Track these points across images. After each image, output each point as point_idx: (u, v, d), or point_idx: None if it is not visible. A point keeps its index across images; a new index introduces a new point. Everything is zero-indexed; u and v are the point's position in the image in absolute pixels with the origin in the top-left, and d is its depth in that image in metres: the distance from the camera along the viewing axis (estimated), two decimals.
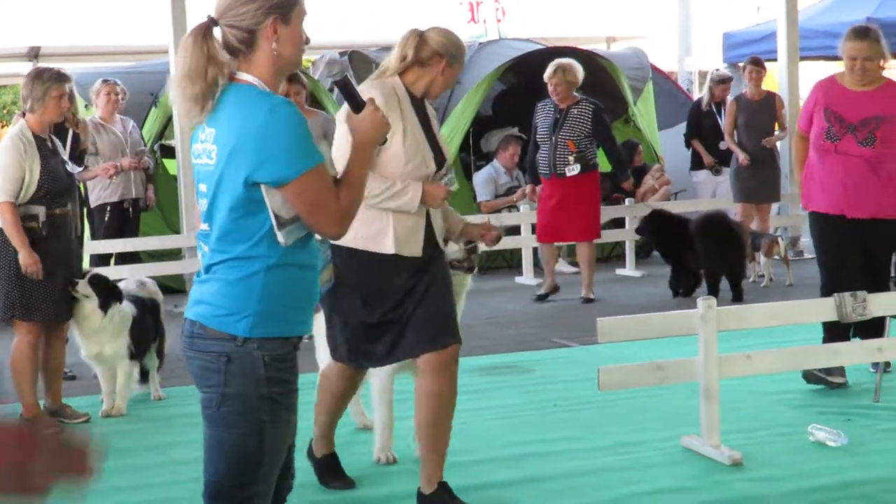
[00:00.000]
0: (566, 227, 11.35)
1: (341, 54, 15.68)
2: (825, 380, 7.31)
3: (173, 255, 12.05)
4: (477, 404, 7.71)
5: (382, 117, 3.68)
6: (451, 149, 13.84)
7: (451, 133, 13.98)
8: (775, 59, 15.55)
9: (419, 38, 5.49)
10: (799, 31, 14.83)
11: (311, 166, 3.47)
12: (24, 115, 7.53)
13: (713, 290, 11.04)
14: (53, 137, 7.64)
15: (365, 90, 4.89)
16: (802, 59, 14.98)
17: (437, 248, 5.60)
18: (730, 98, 13.38)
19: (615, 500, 5.82)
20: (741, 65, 13.97)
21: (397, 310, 5.48)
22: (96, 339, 7.55)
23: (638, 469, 6.29)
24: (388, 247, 5.40)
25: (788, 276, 12.12)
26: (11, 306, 7.29)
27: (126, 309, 7.70)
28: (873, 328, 7.00)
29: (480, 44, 16.08)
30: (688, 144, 14.64)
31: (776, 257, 12.17)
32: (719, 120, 14.25)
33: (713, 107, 14.45)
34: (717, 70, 15.91)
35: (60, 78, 7.39)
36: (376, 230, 5.39)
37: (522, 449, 6.70)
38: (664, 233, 11.67)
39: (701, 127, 14.49)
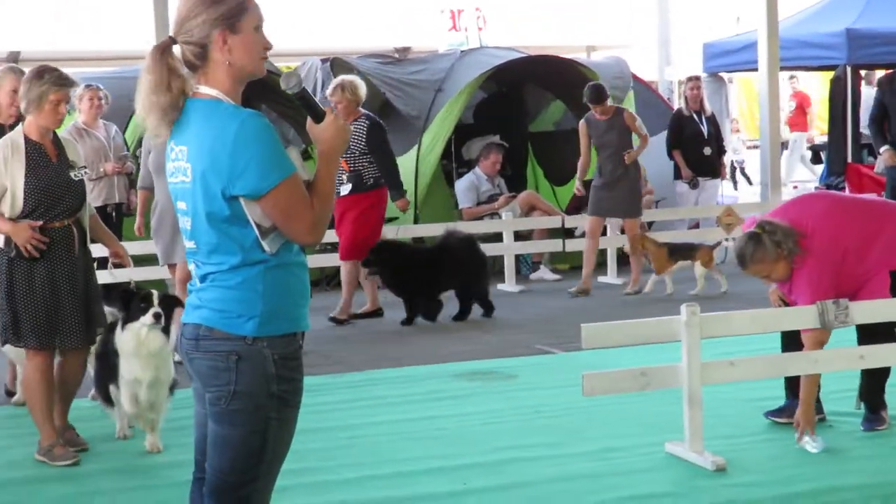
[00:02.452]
0: (342, 246, 11.18)
1: (323, 61, 15.66)
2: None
3: (154, 260, 12.00)
4: (459, 410, 7.72)
5: (344, 125, 3.71)
6: (432, 156, 13.95)
7: (433, 140, 14.00)
8: (755, 69, 15.61)
9: None
10: (780, 41, 14.84)
11: (283, 177, 3.54)
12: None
13: (465, 309, 11.16)
14: (68, 141, 7.04)
15: None
16: (782, 69, 15.01)
17: None
18: (581, 122, 13.12)
19: None
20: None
21: None
22: (154, 362, 6.75)
23: (622, 475, 6.27)
24: None
25: (723, 284, 12.15)
26: (5, 330, 6.76)
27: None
28: (877, 334, 6.89)
29: (462, 52, 16.07)
30: (670, 154, 14.70)
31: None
32: (701, 127, 14.35)
33: (692, 113, 14.54)
34: (687, 75, 16.03)
35: (61, 81, 6.68)
36: None
37: (505, 454, 6.67)
38: (393, 263, 10.98)
39: (682, 136, 14.57)
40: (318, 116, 3.70)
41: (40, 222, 6.62)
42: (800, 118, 24.03)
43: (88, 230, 6.90)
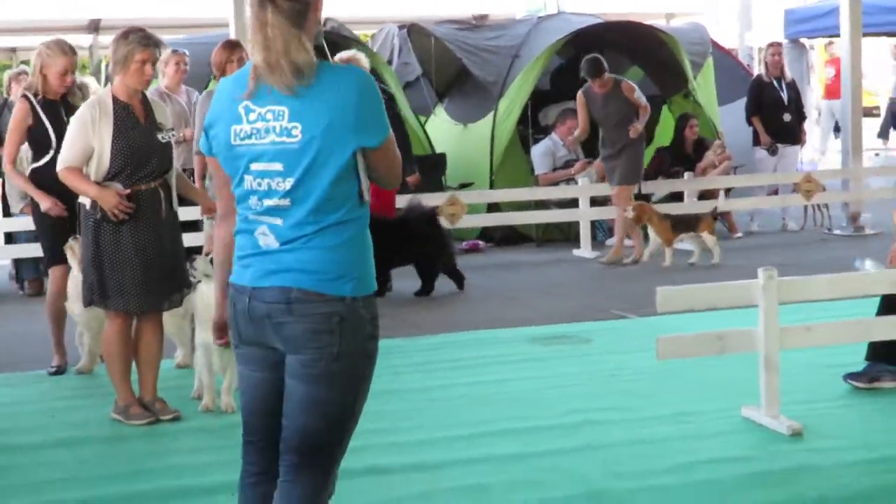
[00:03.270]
0: None
1: (400, 27, 15.67)
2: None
3: None
4: (533, 373, 7.71)
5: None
6: (508, 122, 13.92)
7: (510, 106, 13.96)
8: (838, 35, 15.41)
9: None
10: (862, 6, 14.63)
11: (390, 127, 3.69)
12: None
13: (427, 286, 10.85)
14: (157, 102, 7.00)
15: None
16: (865, 35, 14.79)
17: None
18: (579, 94, 12.93)
19: (674, 469, 5.77)
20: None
21: None
22: None
23: (697, 438, 6.24)
24: None
25: (716, 256, 11.99)
26: (90, 291, 6.74)
27: None
28: None
29: (539, 17, 16.01)
30: (749, 121, 14.57)
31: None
32: (781, 93, 14.21)
33: (772, 79, 14.41)
34: (768, 41, 15.88)
35: (146, 41, 6.57)
36: None
37: (577, 417, 6.65)
38: None
39: (762, 102, 14.45)
40: None
41: (128, 190, 6.56)
42: (838, 85, 23.63)
43: (175, 192, 6.87)
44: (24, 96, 7.82)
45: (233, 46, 8.23)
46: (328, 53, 3.84)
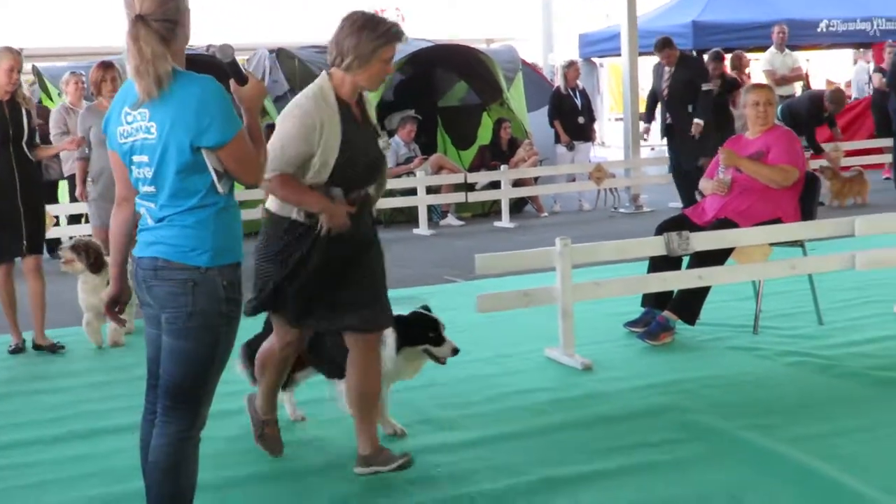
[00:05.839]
0: None
1: (270, 51, 15.49)
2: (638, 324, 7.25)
3: None
4: None
5: (262, 85, 3.74)
6: None
7: None
8: (619, 55, 15.68)
9: None
10: (638, 31, 14.92)
11: (238, 130, 3.52)
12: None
13: None
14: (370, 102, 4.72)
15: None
16: (641, 54, 15.09)
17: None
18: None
19: (492, 399, 5.84)
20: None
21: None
22: None
23: (511, 374, 6.33)
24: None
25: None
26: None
27: None
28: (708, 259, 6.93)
29: None
30: (551, 123, 14.76)
31: None
32: (576, 101, 14.43)
33: (569, 90, 14.62)
34: (566, 59, 16.11)
35: (398, 36, 4.49)
36: None
37: None
38: None
39: (561, 109, 14.64)
40: (243, 80, 3.71)
41: (353, 207, 4.50)
42: None
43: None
44: None
45: (106, 67, 8.02)
46: (241, 71, 3.73)
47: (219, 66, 3.68)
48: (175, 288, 3.56)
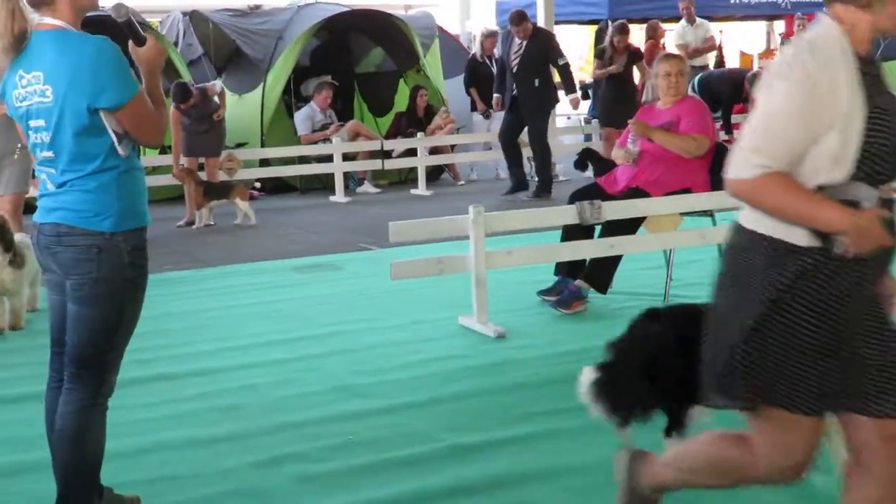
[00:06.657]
0: None
1: (184, 14, 15.25)
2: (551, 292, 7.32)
3: None
4: (294, 295, 7.71)
5: (161, 46, 3.71)
6: (275, 92, 13.78)
7: (275, 79, 13.82)
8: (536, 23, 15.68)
9: None
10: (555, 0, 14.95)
11: (136, 91, 3.48)
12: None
13: None
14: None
15: None
16: (557, 23, 15.12)
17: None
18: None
19: (405, 366, 5.86)
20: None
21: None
22: None
23: (424, 341, 6.36)
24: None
25: (252, 218, 11.11)
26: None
27: None
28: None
29: (299, 6, 15.78)
30: (467, 91, 14.75)
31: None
32: (491, 69, 14.39)
33: (485, 59, 14.60)
34: (485, 28, 16.08)
35: None
36: None
37: (332, 329, 6.69)
38: None
39: (477, 77, 14.62)
40: (141, 41, 3.65)
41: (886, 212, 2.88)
42: None
43: None
44: None
45: None
46: (138, 31, 3.65)
47: (118, 27, 3.63)
48: (79, 254, 3.52)
